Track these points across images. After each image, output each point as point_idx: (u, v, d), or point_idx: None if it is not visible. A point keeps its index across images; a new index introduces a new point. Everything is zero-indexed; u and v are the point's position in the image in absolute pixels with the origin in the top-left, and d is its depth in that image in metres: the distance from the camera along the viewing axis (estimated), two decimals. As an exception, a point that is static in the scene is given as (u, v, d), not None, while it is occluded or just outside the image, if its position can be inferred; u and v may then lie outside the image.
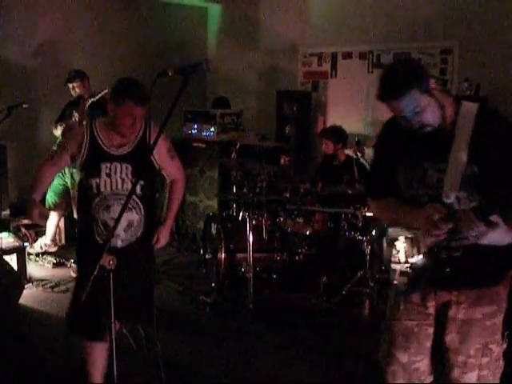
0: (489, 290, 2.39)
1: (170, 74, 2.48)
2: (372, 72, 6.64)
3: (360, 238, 4.90)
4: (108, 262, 2.39)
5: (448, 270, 2.29)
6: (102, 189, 3.09)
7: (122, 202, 2.97)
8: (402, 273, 2.43)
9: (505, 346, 2.46)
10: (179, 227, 7.05)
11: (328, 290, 4.98)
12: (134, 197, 3.08)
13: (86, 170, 3.14)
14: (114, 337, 2.50)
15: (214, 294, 4.95)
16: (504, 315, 2.45)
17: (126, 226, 3.11)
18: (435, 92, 2.21)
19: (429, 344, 2.50)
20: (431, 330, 2.49)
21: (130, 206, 3.07)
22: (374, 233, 4.77)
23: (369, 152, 6.24)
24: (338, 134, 5.62)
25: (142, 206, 3.13)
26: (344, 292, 4.87)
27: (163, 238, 3.32)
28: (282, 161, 6.34)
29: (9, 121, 5.21)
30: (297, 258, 5.23)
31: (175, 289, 5.24)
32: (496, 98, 5.31)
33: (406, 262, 2.41)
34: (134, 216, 3.12)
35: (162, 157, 3.25)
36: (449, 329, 2.42)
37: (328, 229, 5.20)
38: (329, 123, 6.93)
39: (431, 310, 2.47)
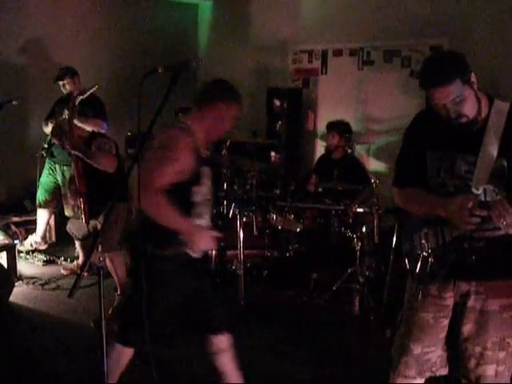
0: (507, 281, 2.45)
1: (159, 71, 2.48)
2: (362, 69, 6.66)
3: (350, 234, 4.92)
4: (98, 258, 2.40)
5: (472, 258, 2.37)
6: (200, 195, 2.92)
7: (208, 207, 2.98)
8: (423, 262, 2.51)
9: None
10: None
11: (318, 287, 4.99)
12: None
13: (190, 176, 2.84)
14: (104, 334, 2.49)
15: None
16: None
17: None
18: (474, 86, 2.30)
19: (443, 335, 2.56)
20: (446, 322, 2.54)
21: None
22: (364, 229, 4.79)
23: (359, 148, 6.29)
24: (344, 127, 5.62)
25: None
26: (334, 288, 4.88)
27: None
28: (273, 158, 6.35)
29: (-2, 118, 5.20)
30: (287, 254, 5.24)
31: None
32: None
33: (428, 251, 2.49)
34: (208, 223, 3.02)
35: None
36: (467, 319, 2.47)
37: (318, 225, 5.22)
38: (319, 120, 6.96)
39: (449, 302, 2.51)
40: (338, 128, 5.61)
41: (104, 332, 2.46)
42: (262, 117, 7.12)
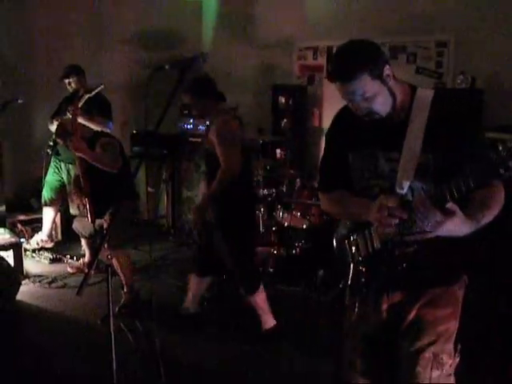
0: (443, 290, 2.24)
1: (166, 67, 2.49)
2: (367, 65, 6.64)
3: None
4: (106, 256, 2.41)
5: (404, 265, 2.15)
6: None
7: None
8: (355, 272, 2.31)
9: (457, 360, 2.28)
10: (175, 222, 7.05)
11: (325, 284, 4.98)
12: None
13: None
14: (112, 331, 2.50)
15: (213, 289, 4.95)
16: (458, 325, 2.28)
17: None
18: (389, 79, 2.08)
19: (383, 350, 2.37)
20: (384, 335, 2.36)
21: None
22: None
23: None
24: None
25: None
26: (341, 286, 4.85)
27: None
28: (278, 155, 6.34)
29: (4, 117, 5.21)
30: (294, 251, 5.23)
31: (174, 284, 5.23)
32: (492, 91, 5.33)
33: (359, 260, 2.29)
34: None
35: None
36: (401, 331, 2.28)
37: (325, 222, 5.21)
38: (324, 117, 6.94)
39: (385, 314, 2.33)
40: None
41: (112, 329, 2.48)
42: (267, 114, 7.11)
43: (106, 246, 4.21)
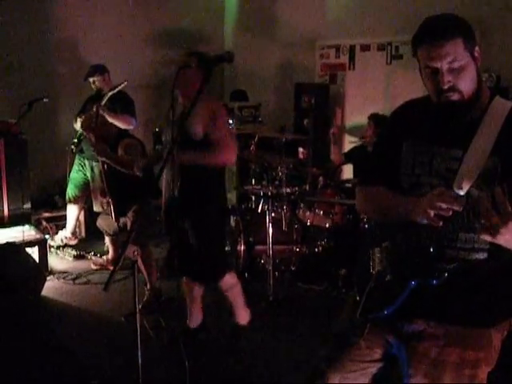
0: (477, 330, 1.94)
1: (193, 65, 2.50)
2: (390, 63, 6.61)
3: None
4: (132, 253, 2.42)
5: (435, 282, 1.88)
6: None
7: None
8: (376, 285, 2.05)
9: None
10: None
11: (347, 283, 4.97)
12: None
13: None
14: (138, 328, 2.52)
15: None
16: (489, 374, 1.96)
17: None
18: (478, 62, 1.93)
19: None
20: (374, 370, 2.11)
21: None
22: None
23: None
24: (382, 120, 5.48)
25: None
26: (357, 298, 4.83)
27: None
28: (300, 153, 6.33)
29: (30, 115, 5.26)
30: (316, 250, 5.23)
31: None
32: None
33: (384, 270, 2.04)
34: None
35: None
36: (415, 369, 1.96)
37: (347, 221, 5.20)
38: (347, 115, 6.93)
39: (391, 341, 2.06)
40: (376, 120, 5.54)
41: (138, 325, 2.49)
42: (289, 112, 7.11)
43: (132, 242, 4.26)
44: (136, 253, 2.42)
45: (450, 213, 1.78)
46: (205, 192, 3.73)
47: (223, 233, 4.17)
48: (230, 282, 3.94)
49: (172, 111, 2.86)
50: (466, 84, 1.90)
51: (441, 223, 1.81)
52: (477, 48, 1.93)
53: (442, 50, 1.86)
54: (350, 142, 6.51)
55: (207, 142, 3.56)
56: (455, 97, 1.90)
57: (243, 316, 4.08)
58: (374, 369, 2.11)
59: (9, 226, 5.53)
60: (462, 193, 1.88)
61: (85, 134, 5.43)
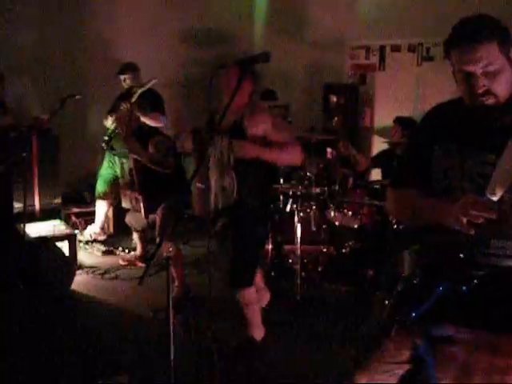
0: (508, 336, 1.90)
1: (229, 65, 2.52)
2: (421, 65, 6.59)
3: (408, 232, 4.86)
4: (166, 249, 2.45)
5: (465, 288, 1.86)
6: None
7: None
8: (406, 288, 2.04)
9: None
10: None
11: (374, 284, 4.96)
12: None
13: None
14: (171, 324, 2.54)
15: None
16: None
17: None
18: None
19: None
20: (401, 372, 2.08)
21: None
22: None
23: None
24: (408, 123, 5.50)
25: None
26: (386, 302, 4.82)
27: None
28: (329, 154, 6.32)
29: (62, 112, 5.34)
30: (343, 250, 5.22)
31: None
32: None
33: (414, 273, 2.04)
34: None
35: None
36: (442, 373, 1.95)
37: (376, 222, 5.18)
38: (376, 116, 6.91)
39: (418, 343, 2.04)
40: (402, 123, 5.52)
41: (171, 321, 2.52)
42: (318, 113, 7.11)
43: (167, 239, 4.29)
44: (171, 249, 2.45)
45: (482, 220, 1.77)
46: (258, 199, 3.70)
47: (263, 243, 4.12)
48: (251, 296, 3.83)
49: (218, 117, 2.78)
50: (502, 88, 1.86)
51: (473, 231, 1.80)
52: None
53: (475, 54, 1.83)
54: (378, 143, 6.48)
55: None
56: (490, 101, 1.87)
57: (258, 333, 3.96)
58: (401, 370, 2.09)
59: (40, 221, 5.60)
60: (495, 198, 1.83)
61: (117, 130, 5.49)
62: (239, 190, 3.53)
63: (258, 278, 4.25)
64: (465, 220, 1.80)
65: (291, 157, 3.65)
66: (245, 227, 3.68)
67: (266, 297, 4.38)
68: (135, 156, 4.80)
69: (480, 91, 1.85)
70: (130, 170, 5.07)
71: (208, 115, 3.72)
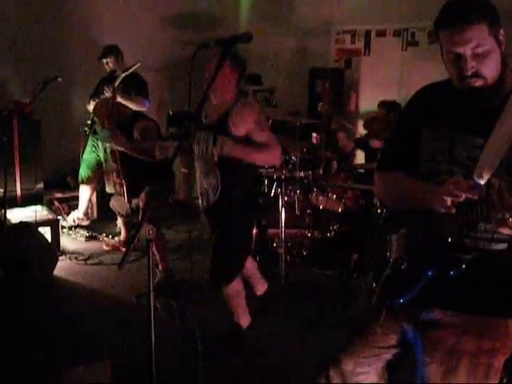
0: (494, 320, 1.92)
1: (211, 45, 2.46)
2: (406, 50, 6.55)
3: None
4: (147, 232, 2.40)
5: (452, 272, 1.86)
6: None
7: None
8: (393, 273, 2.03)
9: None
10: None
11: (358, 268, 4.96)
12: None
13: None
14: (152, 307, 2.51)
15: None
16: (506, 362, 1.95)
17: None
18: (503, 45, 1.88)
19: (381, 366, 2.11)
20: (389, 356, 2.10)
21: None
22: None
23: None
24: (393, 106, 5.47)
25: None
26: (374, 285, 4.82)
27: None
28: (314, 138, 6.30)
29: (43, 96, 5.27)
30: (328, 234, 5.21)
31: (206, 263, 5.25)
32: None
33: (401, 257, 2.01)
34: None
35: None
36: (430, 357, 1.96)
37: (360, 206, 5.17)
38: (361, 101, 6.88)
39: (406, 327, 2.05)
40: (387, 107, 5.50)
41: (152, 304, 2.48)
42: (303, 97, 7.08)
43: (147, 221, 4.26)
44: (151, 232, 2.40)
45: (462, 199, 1.76)
46: (243, 195, 3.64)
47: (249, 237, 4.08)
48: (234, 290, 3.77)
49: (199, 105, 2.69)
50: (490, 70, 1.85)
51: (454, 210, 1.79)
52: (501, 31, 1.86)
53: (464, 36, 1.80)
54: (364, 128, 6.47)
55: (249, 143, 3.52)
56: (479, 83, 1.85)
57: (244, 321, 3.92)
58: (388, 355, 2.10)
59: (21, 206, 5.56)
60: (482, 182, 1.82)
61: (97, 120, 5.42)
62: (223, 189, 3.53)
63: (254, 269, 4.24)
64: (449, 201, 1.79)
65: (271, 158, 3.64)
66: (226, 225, 3.65)
67: (262, 286, 4.33)
68: (122, 148, 4.75)
69: (468, 73, 1.84)
70: (113, 152, 4.96)
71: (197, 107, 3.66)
